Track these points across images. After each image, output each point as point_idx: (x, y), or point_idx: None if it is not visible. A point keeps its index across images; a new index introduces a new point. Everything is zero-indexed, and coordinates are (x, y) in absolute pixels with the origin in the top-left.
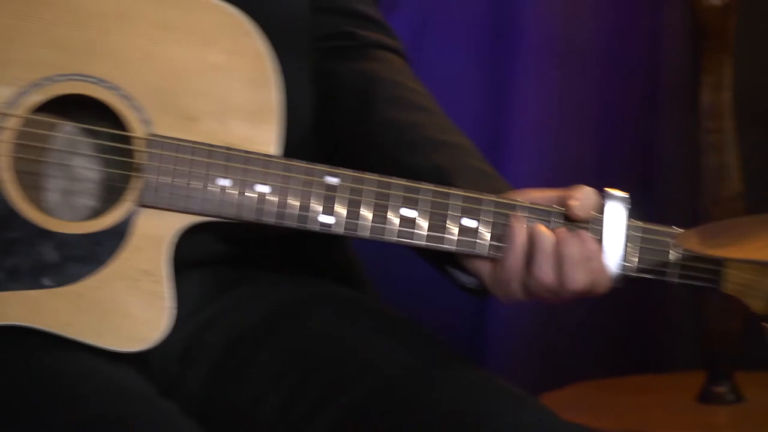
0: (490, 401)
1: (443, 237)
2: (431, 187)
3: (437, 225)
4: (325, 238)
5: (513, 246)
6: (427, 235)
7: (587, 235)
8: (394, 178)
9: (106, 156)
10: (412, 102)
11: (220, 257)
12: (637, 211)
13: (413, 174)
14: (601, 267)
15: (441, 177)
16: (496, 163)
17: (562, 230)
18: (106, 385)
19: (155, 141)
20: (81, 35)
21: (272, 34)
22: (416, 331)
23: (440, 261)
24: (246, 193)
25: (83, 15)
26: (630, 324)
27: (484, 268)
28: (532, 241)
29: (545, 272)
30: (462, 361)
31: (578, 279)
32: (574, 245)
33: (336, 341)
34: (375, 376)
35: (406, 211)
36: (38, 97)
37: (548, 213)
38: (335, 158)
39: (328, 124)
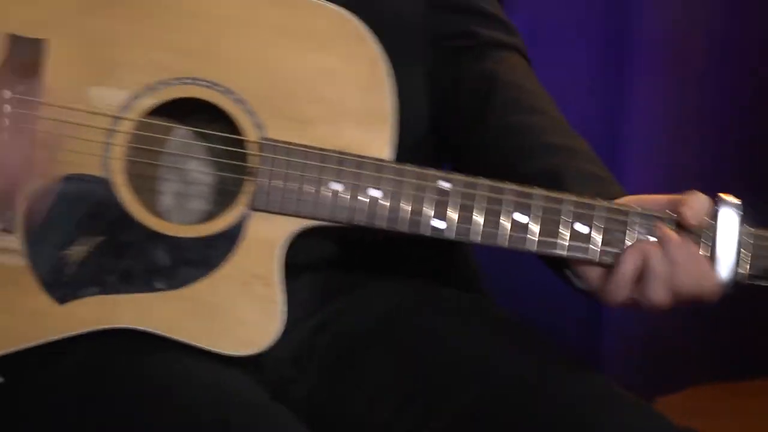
0: (603, 407)
1: (555, 242)
2: (543, 192)
3: (549, 230)
4: (439, 240)
5: (623, 267)
6: (539, 240)
7: (693, 246)
8: (506, 183)
9: (218, 160)
10: (529, 105)
11: (331, 261)
12: (750, 217)
13: (527, 178)
14: (711, 276)
15: (554, 181)
16: (610, 169)
17: (674, 236)
18: (214, 390)
19: (268, 145)
20: (196, 39)
21: (387, 36)
22: (529, 335)
23: (555, 262)
24: (358, 198)
25: (198, 19)
26: (748, 326)
27: (594, 274)
28: (644, 262)
29: (656, 293)
30: (575, 365)
31: (686, 287)
32: (683, 253)
33: (448, 345)
34: (488, 381)
35: (518, 216)
36: (152, 101)
37: (660, 219)
38: (450, 160)
39: (447, 126)
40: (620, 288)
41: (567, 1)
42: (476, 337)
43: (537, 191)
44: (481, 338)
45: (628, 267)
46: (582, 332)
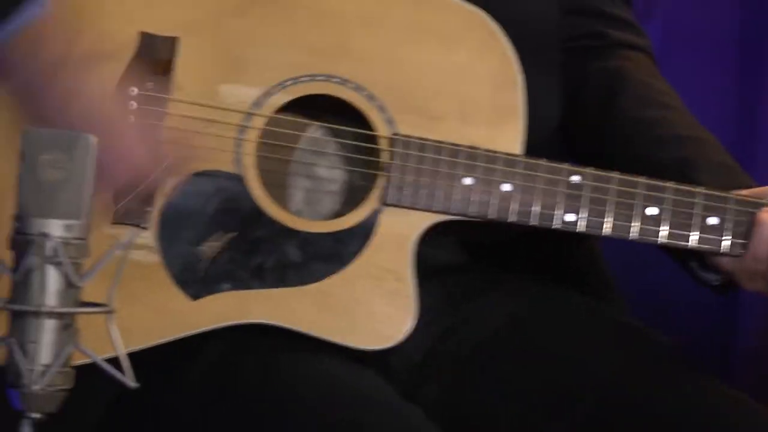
0: (725, 416)
1: (687, 235)
2: (675, 185)
3: (680, 223)
4: (568, 240)
5: (761, 240)
6: (670, 233)
7: None
8: (637, 176)
9: (350, 155)
10: (658, 100)
11: (458, 266)
12: None
13: (657, 169)
14: None
15: (684, 171)
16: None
17: None
18: (346, 389)
19: (400, 140)
20: (326, 37)
21: (520, 37)
22: (657, 345)
23: (682, 256)
24: (490, 192)
25: (329, 17)
26: None
27: (727, 263)
28: None
29: None
30: (705, 379)
31: None
32: None
33: (573, 353)
34: (609, 387)
35: (649, 210)
36: (283, 98)
37: None
38: (579, 155)
39: (573, 122)
40: (758, 266)
41: (701, 5)
42: (602, 346)
43: (669, 184)
44: (606, 347)
45: (764, 245)
46: (713, 339)
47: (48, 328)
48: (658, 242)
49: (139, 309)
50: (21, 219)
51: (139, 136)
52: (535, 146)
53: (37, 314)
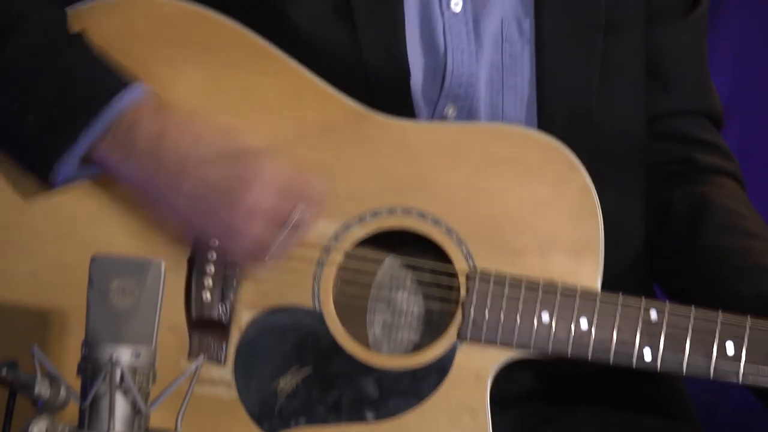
0: None
1: (763, 375)
2: (753, 323)
3: (757, 360)
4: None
5: None
6: (749, 372)
7: None
8: (715, 312)
9: (428, 289)
10: (742, 228)
11: (534, 392)
12: None
13: (738, 301)
14: None
15: (763, 305)
16: None
17: None
18: None
19: (478, 275)
20: (405, 169)
21: (606, 159)
22: None
23: (764, 394)
24: (568, 328)
25: (408, 150)
26: None
27: None
28: None
29: None
30: None
31: None
32: None
33: None
34: None
35: (729, 348)
36: (362, 231)
37: None
38: (663, 280)
39: (657, 247)
40: None
41: None
42: None
43: (748, 322)
44: None
45: None
46: None
47: None
48: (739, 382)
49: None
50: (89, 345)
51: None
52: (622, 273)
53: None
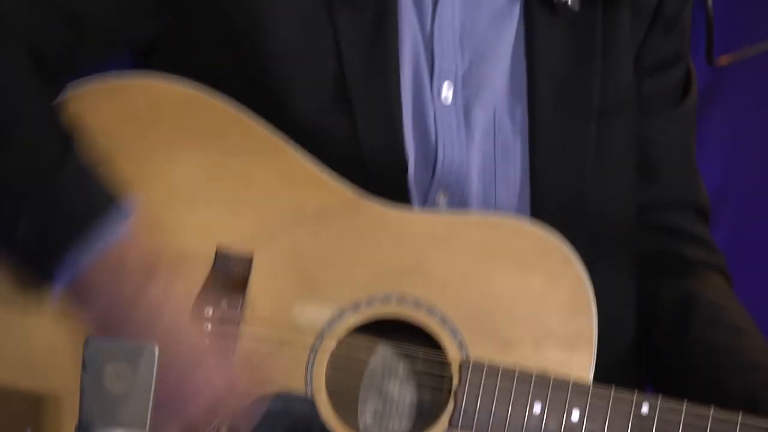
0: None
1: None
2: (743, 419)
3: None
4: None
5: None
6: None
7: None
8: (707, 408)
9: (420, 377)
10: (730, 323)
11: None
12: None
13: (726, 398)
14: None
15: (751, 401)
16: None
17: None
18: None
19: (471, 365)
20: (401, 257)
21: (600, 245)
22: None
23: None
24: (559, 420)
25: (405, 237)
26: None
27: None
28: None
29: None
30: None
31: None
32: None
33: None
34: None
35: None
36: (356, 318)
37: None
38: (650, 375)
39: (646, 340)
40: None
41: None
42: None
43: (739, 418)
44: None
45: None
46: None
47: None
48: None
49: None
50: (83, 428)
51: (212, 361)
52: (613, 363)
53: None
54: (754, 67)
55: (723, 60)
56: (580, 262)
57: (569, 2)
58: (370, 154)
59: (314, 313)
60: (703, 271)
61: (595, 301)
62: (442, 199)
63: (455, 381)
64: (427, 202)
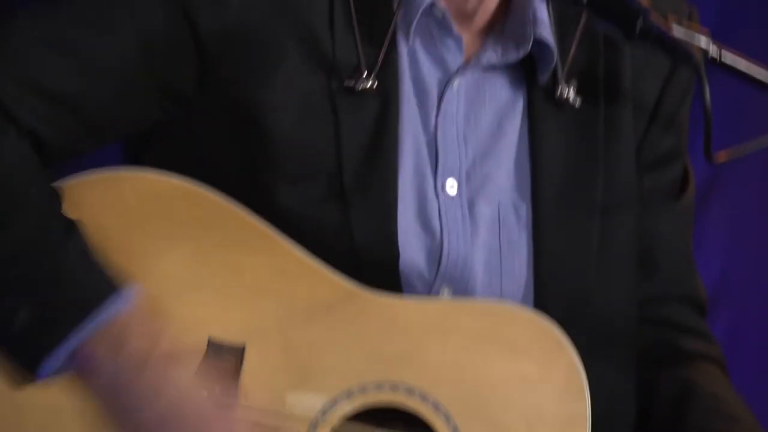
0: None
1: None
2: None
3: None
4: None
5: None
6: None
7: None
8: None
9: None
10: (727, 413)
11: None
12: None
13: None
14: None
15: None
16: None
17: None
18: None
19: None
20: (393, 345)
21: (604, 340)
22: None
23: None
24: None
25: (397, 326)
26: None
27: None
28: None
29: None
30: None
31: None
32: None
33: None
34: None
35: None
36: (350, 406)
37: None
38: None
39: (643, 430)
40: None
41: None
42: None
43: None
44: None
45: None
46: None
47: None
48: None
49: None
50: None
51: None
52: None
53: None
54: (753, 164)
55: (721, 156)
56: (572, 347)
57: (571, 99)
58: (363, 245)
59: (307, 402)
60: (701, 363)
61: (595, 393)
62: (446, 292)
63: None
64: (431, 295)
